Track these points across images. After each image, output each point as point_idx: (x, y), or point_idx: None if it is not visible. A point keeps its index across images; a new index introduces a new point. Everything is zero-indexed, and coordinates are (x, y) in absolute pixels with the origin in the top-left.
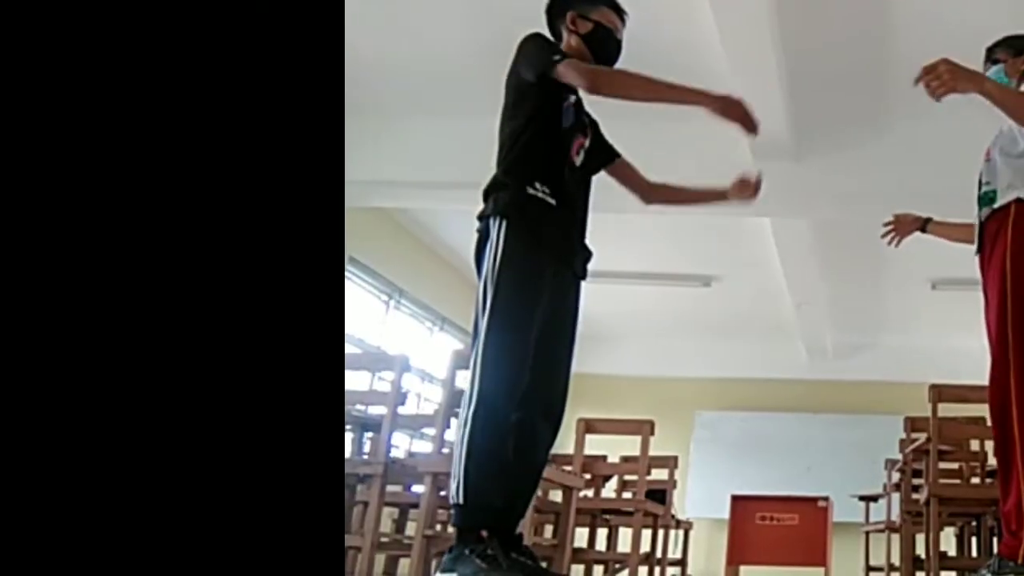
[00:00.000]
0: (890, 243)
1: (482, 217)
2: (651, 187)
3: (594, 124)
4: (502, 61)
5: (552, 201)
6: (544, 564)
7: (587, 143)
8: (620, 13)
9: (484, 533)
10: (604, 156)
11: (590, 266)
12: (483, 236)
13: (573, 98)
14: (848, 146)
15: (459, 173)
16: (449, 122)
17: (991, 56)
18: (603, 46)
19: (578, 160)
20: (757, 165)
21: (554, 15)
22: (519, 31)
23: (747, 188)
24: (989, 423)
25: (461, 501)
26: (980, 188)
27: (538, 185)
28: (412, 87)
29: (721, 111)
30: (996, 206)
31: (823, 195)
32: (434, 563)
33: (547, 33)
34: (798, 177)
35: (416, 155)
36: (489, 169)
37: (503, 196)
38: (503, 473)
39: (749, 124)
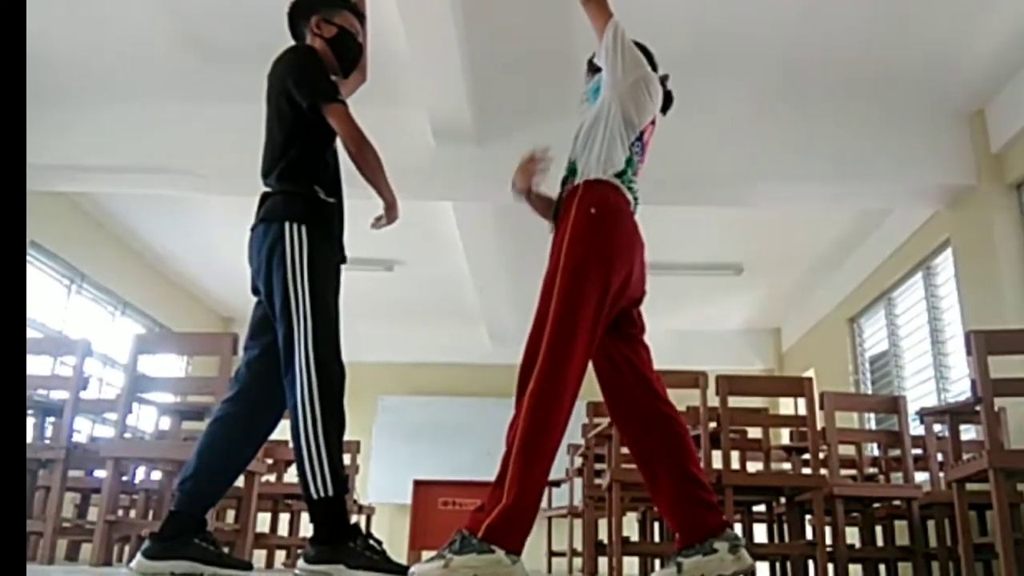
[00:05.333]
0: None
1: (271, 220)
2: None
3: None
4: (184, 48)
5: (332, 200)
6: (226, 549)
7: None
8: (361, 17)
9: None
10: None
11: None
12: (276, 239)
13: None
14: (530, 130)
15: (140, 157)
16: (130, 107)
17: (592, 68)
18: (346, 49)
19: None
20: (439, 149)
21: (297, 18)
22: (203, 19)
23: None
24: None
25: (331, 493)
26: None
27: (317, 188)
28: (94, 73)
29: (388, 217)
30: (574, 184)
31: (504, 179)
32: (116, 548)
33: (288, 33)
34: (480, 161)
35: (98, 140)
36: (172, 154)
37: (296, 201)
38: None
39: (388, 221)
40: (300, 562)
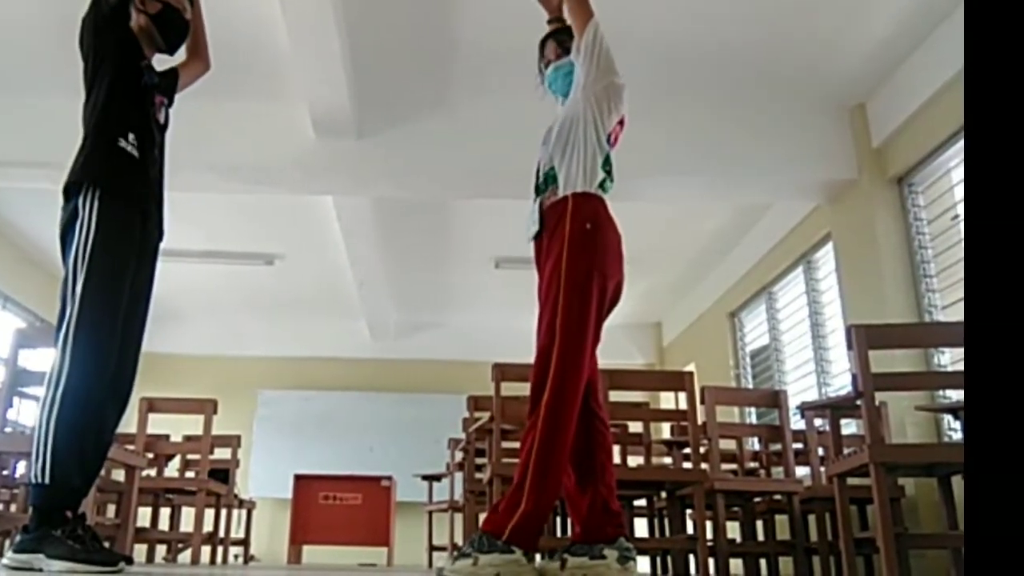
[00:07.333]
0: None
1: (69, 188)
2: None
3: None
4: (70, 40)
5: (137, 154)
6: (107, 544)
7: (167, 101)
8: None
9: (69, 514)
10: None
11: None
12: (72, 214)
13: (145, 62)
14: (410, 124)
15: (23, 151)
16: (12, 100)
17: (543, 50)
18: (171, 26)
19: (162, 118)
20: (320, 142)
21: None
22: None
23: None
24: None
25: (46, 481)
26: (540, 171)
27: (130, 137)
28: None
29: None
30: (556, 198)
31: (384, 173)
32: None
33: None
34: (359, 154)
35: None
36: (56, 148)
37: (92, 157)
38: (85, 454)
39: None
40: (8, 551)
